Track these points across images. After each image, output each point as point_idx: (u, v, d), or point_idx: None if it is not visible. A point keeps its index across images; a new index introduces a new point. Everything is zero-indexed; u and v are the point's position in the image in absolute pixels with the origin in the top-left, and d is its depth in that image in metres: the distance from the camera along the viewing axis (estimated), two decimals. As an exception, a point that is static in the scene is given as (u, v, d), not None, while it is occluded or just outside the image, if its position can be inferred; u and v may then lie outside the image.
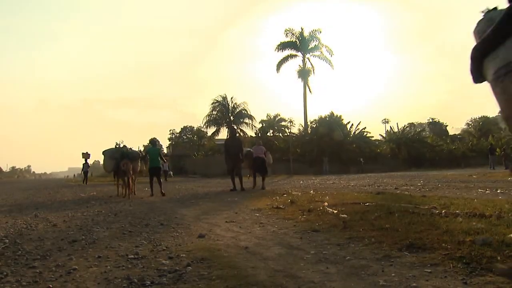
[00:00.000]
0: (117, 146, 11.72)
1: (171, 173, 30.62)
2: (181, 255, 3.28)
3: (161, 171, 11.25)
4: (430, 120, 59.16)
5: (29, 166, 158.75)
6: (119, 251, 3.57)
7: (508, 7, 1.74)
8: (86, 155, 20.01)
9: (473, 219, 4.13)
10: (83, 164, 24.39)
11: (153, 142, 11.92)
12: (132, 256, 3.31)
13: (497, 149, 28.70)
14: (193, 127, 57.24)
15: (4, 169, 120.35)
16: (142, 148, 11.21)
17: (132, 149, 11.49)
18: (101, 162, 11.82)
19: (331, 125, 35.58)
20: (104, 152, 11.16)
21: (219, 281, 2.52)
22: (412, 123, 57.16)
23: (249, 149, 12.88)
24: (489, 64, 1.83)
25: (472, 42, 1.98)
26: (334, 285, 2.39)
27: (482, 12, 2.05)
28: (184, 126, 61.99)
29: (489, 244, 2.93)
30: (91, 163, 26.27)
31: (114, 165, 10.74)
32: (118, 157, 10.73)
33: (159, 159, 11.01)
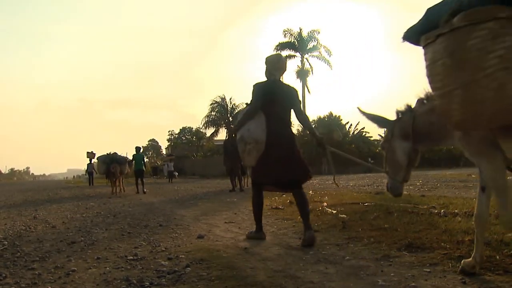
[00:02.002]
0: (108, 153, 13.89)
1: (176, 174, 29.87)
2: (180, 256, 3.28)
3: (143, 173, 13.86)
4: (429, 120, 59.26)
5: (28, 168, 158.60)
6: (118, 252, 3.57)
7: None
8: (91, 155, 18.69)
9: (472, 218, 4.12)
10: (88, 165, 22.09)
11: (138, 149, 13.89)
12: (131, 257, 3.30)
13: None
14: (192, 128, 57.28)
15: (3, 171, 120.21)
16: (130, 157, 14.01)
17: (121, 155, 13.95)
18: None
19: (330, 125, 35.56)
20: (98, 158, 13.80)
21: (218, 282, 2.52)
22: (411, 122, 57.01)
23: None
24: (238, 135, 3.83)
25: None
26: (333, 285, 2.39)
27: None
28: (183, 127, 62.00)
29: (488, 243, 2.94)
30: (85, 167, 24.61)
31: (105, 168, 13.04)
32: (109, 162, 13.01)
33: (142, 162, 13.80)
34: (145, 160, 15.04)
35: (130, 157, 13.95)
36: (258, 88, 3.77)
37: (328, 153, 3.93)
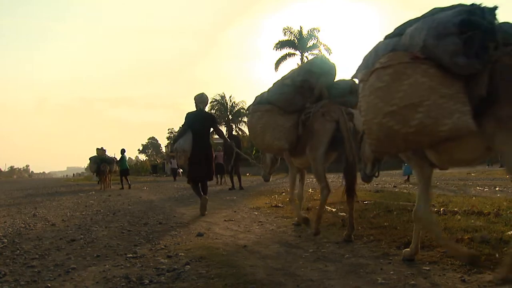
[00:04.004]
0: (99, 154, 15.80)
1: (181, 171, 28.44)
2: (180, 254, 3.28)
3: (128, 171, 16.21)
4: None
5: (27, 166, 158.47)
6: (117, 250, 3.57)
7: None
8: (101, 151, 17.19)
9: (471, 216, 4.14)
10: None
11: (123, 151, 15.74)
12: (131, 255, 3.30)
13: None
14: (192, 126, 57.12)
15: (2, 169, 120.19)
16: (117, 157, 16.29)
17: (109, 155, 16.05)
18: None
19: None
20: (90, 158, 15.78)
21: (217, 280, 2.52)
22: (411, 121, 57.03)
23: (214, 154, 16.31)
24: (173, 146, 6.06)
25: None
26: (333, 283, 2.39)
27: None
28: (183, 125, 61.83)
29: (487, 241, 2.94)
30: (86, 165, 23.13)
31: (96, 167, 15.02)
32: (99, 161, 15.01)
33: (126, 163, 15.99)
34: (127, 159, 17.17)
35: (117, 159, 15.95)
36: (187, 116, 5.86)
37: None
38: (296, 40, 35.55)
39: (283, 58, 35.89)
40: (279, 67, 36.13)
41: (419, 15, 2.51)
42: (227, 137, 14.76)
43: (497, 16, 2.27)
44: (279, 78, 4.25)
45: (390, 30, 2.66)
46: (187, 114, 5.86)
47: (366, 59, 2.58)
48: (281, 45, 35.64)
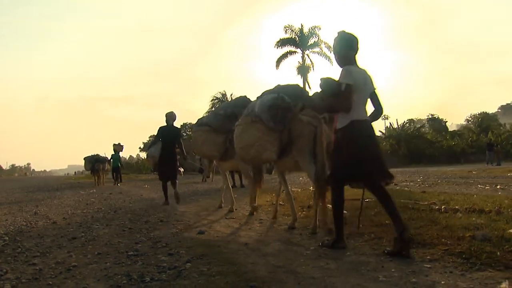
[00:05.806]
0: (93, 154, 17.24)
1: (182, 170, 28.01)
2: (181, 252, 3.28)
3: (119, 170, 17.50)
4: (430, 116, 58.80)
5: (28, 164, 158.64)
6: (119, 248, 3.57)
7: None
8: (118, 147, 16.75)
9: (472, 214, 4.14)
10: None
11: (115, 150, 17.13)
12: (132, 253, 3.31)
13: (497, 145, 28.68)
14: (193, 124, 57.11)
15: (4, 167, 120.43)
16: (109, 156, 17.43)
17: (102, 155, 17.57)
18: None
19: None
20: (84, 158, 17.11)
21: (218, 277, 2.52)
22: (412, 119, 56.79)
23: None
24: (147, 153, 8.36)
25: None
26: (334, 280, 2.39)
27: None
28: (183, 123, 61.88)
29: (489, 239, 2.94)
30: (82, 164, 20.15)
31: (91, 166, 16.62)
32: (93, 161, 16.55)
33: (118, 161, 17.24)
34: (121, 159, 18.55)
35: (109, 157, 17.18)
36: (159, 130, 7.42)
37: (189, 159, 8.94)
38: (297, 38, 35.44)
39: (284, 56, 35.78)
40: (280, 65, 36.03)
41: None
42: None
43: (308, 95, 4.32)
44: (214, 109, 6.34)
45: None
46: (159, 128, 7.44)
47: (247, 108, 4.37)
48: (282, 43, 35.53)
